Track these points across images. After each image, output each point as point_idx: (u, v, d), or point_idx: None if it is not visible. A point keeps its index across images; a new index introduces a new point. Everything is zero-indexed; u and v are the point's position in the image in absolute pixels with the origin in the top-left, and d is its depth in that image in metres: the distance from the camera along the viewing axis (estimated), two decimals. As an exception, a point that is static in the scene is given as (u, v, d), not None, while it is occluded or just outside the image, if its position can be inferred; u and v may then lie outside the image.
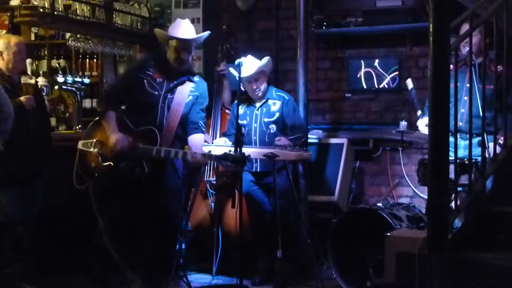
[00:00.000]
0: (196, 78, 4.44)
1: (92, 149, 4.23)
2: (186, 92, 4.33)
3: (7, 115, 4.01)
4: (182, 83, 4.34)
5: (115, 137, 4.14)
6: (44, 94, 5.11)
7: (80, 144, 4.29)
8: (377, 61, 5.98)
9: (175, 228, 4.49)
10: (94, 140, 4.25)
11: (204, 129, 4.44)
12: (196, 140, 4.35)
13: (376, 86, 6.00)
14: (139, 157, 4.11)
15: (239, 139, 4.32)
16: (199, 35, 4.44)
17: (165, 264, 4.42)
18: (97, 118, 4.37)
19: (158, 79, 4.31)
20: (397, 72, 5.88)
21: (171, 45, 4.33)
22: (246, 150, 4.39)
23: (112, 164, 4.15)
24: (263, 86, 5.01)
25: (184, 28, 4.37)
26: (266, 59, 5.01)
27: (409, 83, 4.95)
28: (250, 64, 4.95)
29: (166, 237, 4.34)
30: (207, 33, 4.48)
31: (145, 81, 4.28)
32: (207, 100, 4.50)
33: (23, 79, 4.66)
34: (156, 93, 4.26)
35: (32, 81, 4.76)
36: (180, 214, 4.68)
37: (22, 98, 4.54)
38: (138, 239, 4.39)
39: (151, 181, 4.15)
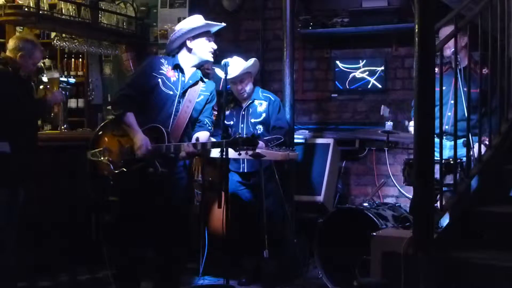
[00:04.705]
0: (205, 79, 4.40)
1: (102, 158, 4.08)
2: (197, 92, 4.25)
3: None
4: (196, 83, 4.26)
5: (140, 140, 4.00)
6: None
7: (89, 155, 4.15)
8: (363, 61, 6.00)
9: (187, 228, 4.45)
10: (102, 148, 4.11)
11: (210, 127, 4.33)
12: (200, 137, 4.21)
13: (362, 87, 6.02)
14: (152, 157, 4.00)
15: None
16: (219, 23, 4.38)
17: (180, 264, 4.39)
18: (113, 120, 4.24)
19: (172, 78, 4.20)
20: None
21: (202, 38, 4.23)
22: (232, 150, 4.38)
23: (125, 170, 4.03)
24: (248, 87, 5.01)
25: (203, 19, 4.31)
26: (252, 60, 5.01)
27: (385, 111, 4.98)
28: (235, 65, 4.95)
29: (180, 237, 4.28)
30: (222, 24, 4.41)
31: (159, 80, 4.16)
32: (215, 99, 4.46)
33: (49, 74, 4.62)
34: (171, 92, 4.16)
35: (57, 75, 4.71)
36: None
37: (48, 94, 4.52)
38: (154, 241, 4.32)
39: (165, 181, 4.08)
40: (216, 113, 4.75)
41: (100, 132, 4.25)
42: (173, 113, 4.15)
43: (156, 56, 4.39)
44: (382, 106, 5.04)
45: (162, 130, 4.03)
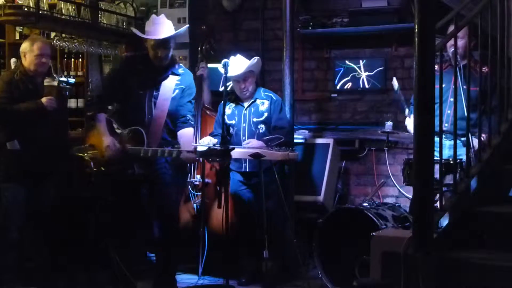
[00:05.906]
0: (181, 70, 4.36)
1: (85, 154, 4.17)
2: (171, 87, 4.26)
3: None
4: (166, 77, 4.28)
5: (106, 143, 4.09)
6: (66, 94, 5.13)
7: (75, 150, 4.23)
8: (363, 61, 6.00)
9: (175, 226, 4.46)
10: (87, 145, 4.20)
11: (193, 123, 4.36)
12: (186, 134, 4.27)
13: (362, 87, 6.02)
14: (129, 159, 4.05)
15: (226, 138, 4.30)
16: (178, 31, 4.33)
17: (171, 263, 4.39)
18: (91, 121, 4.33)
19: (142, 77, 4.24)
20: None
21: (149, 43, 4.28)
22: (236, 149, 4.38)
23: (103, 169, 4.10)
24: (251, 86, 5.01)
25: (158, 26, 4.29)
26: (255, 59, 5.01)
27: (395, 84, 4.97)
28: (239, 64, 4.95)
29: (168, 236, 4.28)
30: (184, 27, 4.38)
31: (130, 80, 4.22)
32: (194, 90, 4.43)
33: (46, 81, 4.76)
34: (142, 91, 4.20)
35: (55, 83, 4.81)
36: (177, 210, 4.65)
37: (43, 99, 4.65)
38: (140, 241, 4.35)
39: (144, 181, 4.10)
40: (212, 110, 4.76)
41: (87, 130, 4.31)
42: (147, 111, 4.18)
43: (128, 56, 4.47)
44: (394, 79, 5.02)
45: (142, 132, 4.05)
